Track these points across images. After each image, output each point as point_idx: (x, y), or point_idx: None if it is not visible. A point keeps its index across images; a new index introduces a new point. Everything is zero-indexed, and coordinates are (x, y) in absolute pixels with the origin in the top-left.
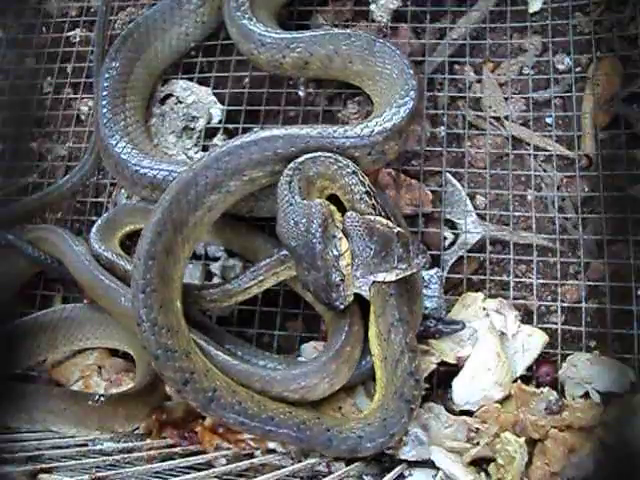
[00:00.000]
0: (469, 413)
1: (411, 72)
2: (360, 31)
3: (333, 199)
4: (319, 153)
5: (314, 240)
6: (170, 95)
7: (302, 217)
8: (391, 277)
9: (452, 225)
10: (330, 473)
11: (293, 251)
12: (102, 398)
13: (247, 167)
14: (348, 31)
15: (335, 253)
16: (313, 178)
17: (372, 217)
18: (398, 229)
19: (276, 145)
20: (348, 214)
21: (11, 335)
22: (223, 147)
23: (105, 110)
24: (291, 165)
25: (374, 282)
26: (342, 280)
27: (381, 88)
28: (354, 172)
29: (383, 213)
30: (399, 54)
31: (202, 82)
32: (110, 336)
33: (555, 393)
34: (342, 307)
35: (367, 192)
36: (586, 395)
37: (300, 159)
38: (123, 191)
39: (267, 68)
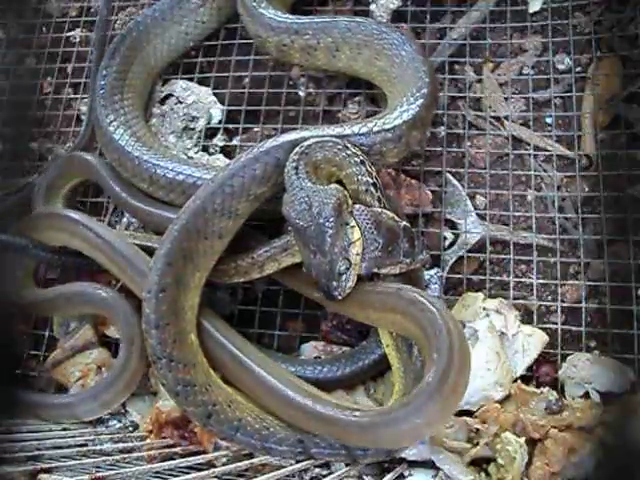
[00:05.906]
0: (469, 413)
1: (427, 80)
2: (381, 23)
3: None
4: (327, 138)
5: (326, 224)
6: (170, 95)
7: (315, 200)
8: (395, 270)
9: (452, 225)
10: (330, 473)
11: (301, 232)
12: None
13: (252, 185)
14: (366, 20)
15: (346, 241)
16: (319, 163)
17: (379, 210)
18: (404, 223)
19: (277, 156)
20: (357, 207)
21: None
22: (226, 170)
23: (101, 107)
24: (297, 149)
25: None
26: (347, 269)
27: (393, 83)
28: (362, 162)
29: (388, 206)
30: (419, 53)
31: (202, 82)
32: (82, 304)
33: (555, 393)
34: (339, 298)
35: (374, 184)
36: (586, 395)
37: (307, 142)
38: None
39: (299, 57)
